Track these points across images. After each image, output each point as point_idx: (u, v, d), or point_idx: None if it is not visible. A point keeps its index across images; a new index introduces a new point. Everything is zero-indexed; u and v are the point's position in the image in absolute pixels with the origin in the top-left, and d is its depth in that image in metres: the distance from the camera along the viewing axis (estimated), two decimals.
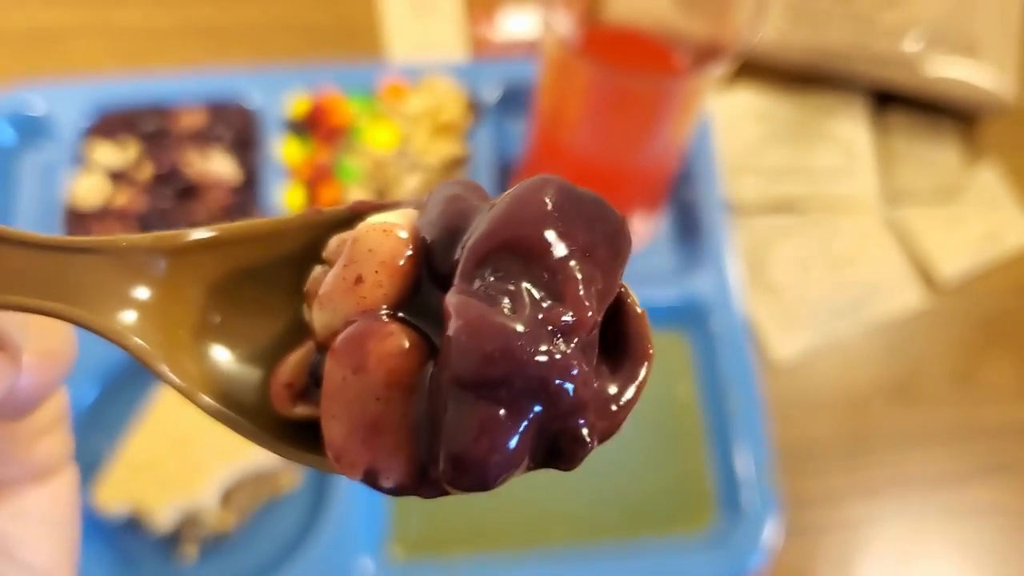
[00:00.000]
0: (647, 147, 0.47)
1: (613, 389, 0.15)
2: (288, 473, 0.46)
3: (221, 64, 0.58)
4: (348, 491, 0.45)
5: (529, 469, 0.15)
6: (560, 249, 0.15)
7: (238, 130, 0.53)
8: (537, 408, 0.14)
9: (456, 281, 0.15)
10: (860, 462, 0.51)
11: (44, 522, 0.20)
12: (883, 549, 0.49)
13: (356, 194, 0.52)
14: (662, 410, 0.49)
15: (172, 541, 0.44)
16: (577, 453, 0.14)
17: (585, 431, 0.14)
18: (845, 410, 0.52)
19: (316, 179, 0.52)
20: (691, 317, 0.50)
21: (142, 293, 0.17)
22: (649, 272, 0.53)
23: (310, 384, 0.17)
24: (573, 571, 0.45)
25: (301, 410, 0.17)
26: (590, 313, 0.14)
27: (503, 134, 0.56)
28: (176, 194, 0.50)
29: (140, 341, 0.16)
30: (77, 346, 0.18)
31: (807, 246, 0.56)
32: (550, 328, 0.14)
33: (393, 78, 0.55)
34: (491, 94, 0.55)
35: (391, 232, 0.16)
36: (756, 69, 0.60)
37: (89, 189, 0.50)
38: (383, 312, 0.15)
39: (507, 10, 0.62)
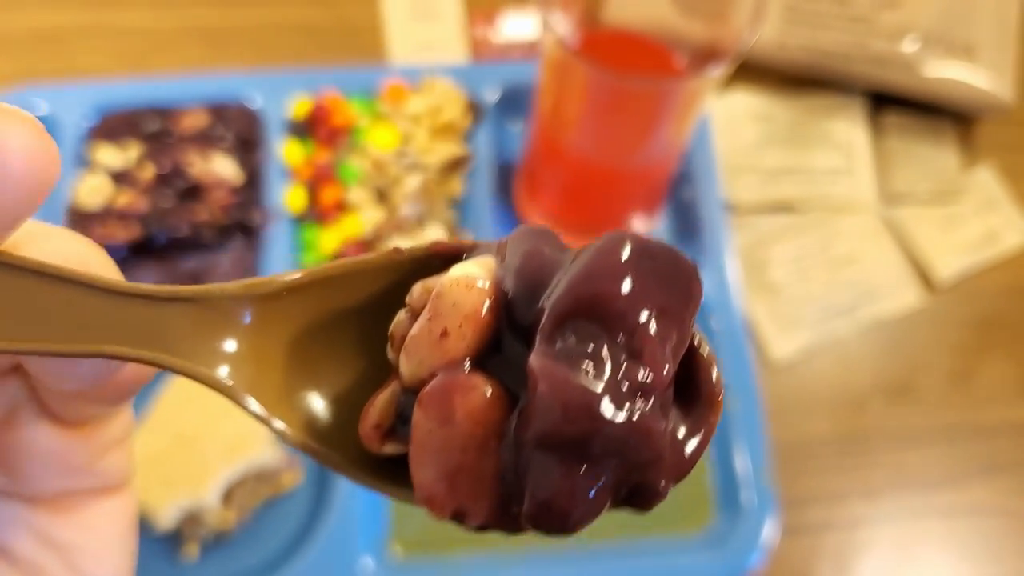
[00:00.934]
0: (646, 148, 0.47)
1: (683, 433, 0.16)
2: (289, 471, 0.46)
3: (223, 66, 0.58)
4: (349, 490, 0.45)
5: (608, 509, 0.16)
6: (637, 310, 0.15)
7: (240, 131, 0.53)
8: (616, 464, 0.15)
9: (538, 343, 0.15)
10: (858, 461, 0.51)
11: (108, 536, 0.20)
12: (881, 548, 0.49)
13: (356, 194, 0.52)
14: None
15: (173, 540, 0.45)
16: (652, 502, 0.16)
17: (661, 484, 0.16)
18: (843, 409, 0.52)
19: (317, 180, 0.52)
20: None
21: (234, 338, 0.18)
22: None
23: (397, 422, 0.18)
24: (572, 570, 0.45)
25: (390, 448, 0.18)
26: (666, 369, 0.15)
27: (503, 135, 0.56)
28: (178, 195, 0.51)
29: (243, 390, 0.17)
30: None
31: (806, 246, 0.56)
32: (629, 388, 0.15)
33: (394, 79, 0.55)
34: (491, 95, 0.55)
35: (473, 286, 0.16)
36: (754, 70, 0.60)
37: (91, 190, 0.50)
38: (466, 364, 0.16)
39: (507, 12, 0.62)
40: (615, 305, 0.15)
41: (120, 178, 0.51)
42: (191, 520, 0.44)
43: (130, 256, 0.49)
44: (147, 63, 0.59)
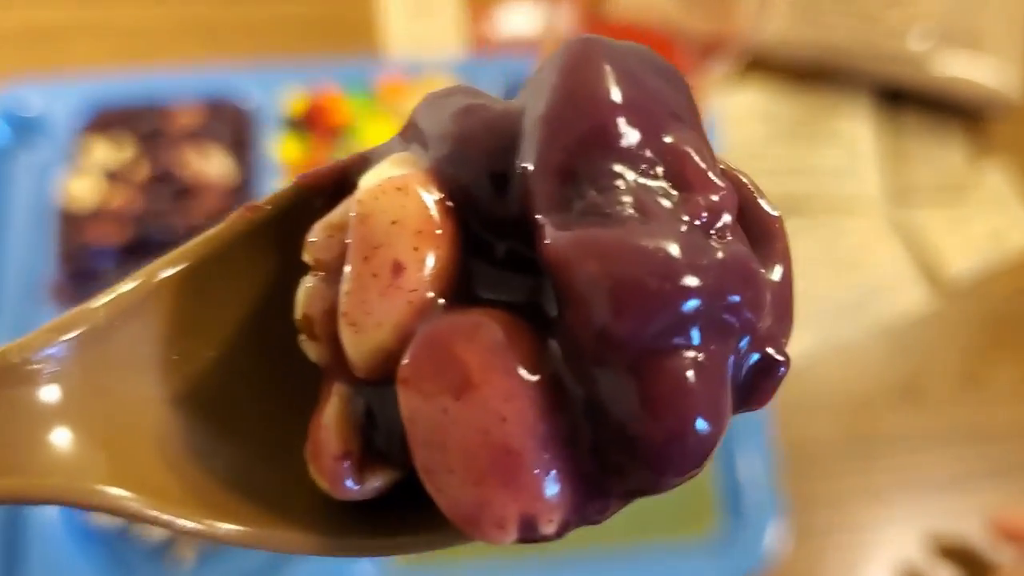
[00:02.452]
0: None
1: (768, 274, 0.12)
2: None
3: (218, 61, 0.57)
4: None
5: None
6: (652, 119, 0.11)
7: (235, 128, 0.52)
8: (722, 335, 0.10)
9: (542, 216, 0.10)
10: (866, 464, 0.50)
11: None
12: (889, 552, 0.48)
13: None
14: None
15: (168, 545, 0.44)
16: (774, 380, 0.11)
17: (771, 343, 0.11)
18: (850, 412, 0.52)
19: None
20: None
21: (64, 416, 0.11)
22: None
23: (368, 441, 0.12)
24: (574, 575, 0.45)
25: (374, 481, 0.12)
26: (724, 185, 0.11)
27: None
28: (173, 195, 0.50)
29: (119, 491, 0.11)
30: None
31: (812, 247, 0.55)
32: (697, 225, 0.10)
33: (392, 76, 0.54)
34: (491, 91, 0.54)
35: (407, 188, 0.11)
36: (761, 67, 0.59)
37: (84, 190, 0.49)
38: (448, 301, 0.11)
39: (507, 6, 0.61)
40: (627, 119, 0.10)
41: (114, 177, 0.50)
42: None
43: (123, 258, 0.48)
44: (142, 59, 0.58)
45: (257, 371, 0.13)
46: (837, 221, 0.56)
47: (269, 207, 0.13)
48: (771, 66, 0.60)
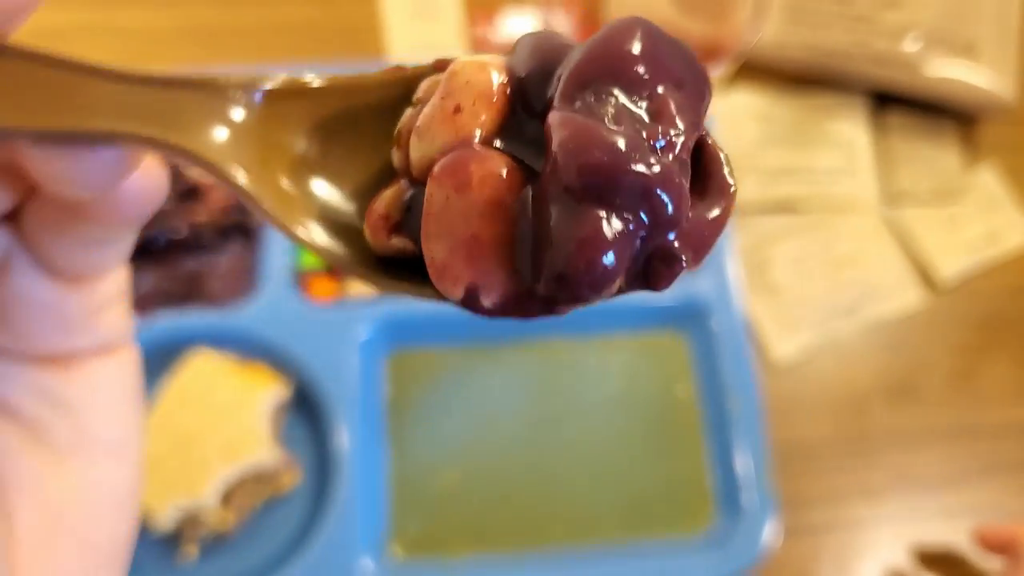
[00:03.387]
0: None
1: (700, 211, 0.16)
2: (288, 472, 0.46)
3: (222, 65, 0.58)
4: (349, 491, 0.45)
5: (619, 292, 0.15)
6: (656, 75, 0.15)
7: None
8: (638, 215, 0.14)
9: (557, 103, 0.15)
10: (859, 462, 0.51)
11: (114, 395, 0.20)
12: (882, 549, 0.49)
13: None
14: (661, 410, 0.49)
15: (172, 541, 0.44)
16: (672, 271, 0.15)
17: (678, 246, 0.15)
18: (844, 410, 0.52)
19: None
20: (691, 317, 0.50)
21: (241, 133, 0.17)
22: None
23: (405, 218, 0.17)
24: (572, 572, 0.45)
25: (396, 242, 0.17)
26: (684, 130, 0.15)
27: None
28: (177, 196, 0.50)
29: (242, 175, 0.17)
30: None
31: (807, 246, 0.56)
32: (650, 141, 0.15)
33: None
34: None
35: (486, 67, 0.16)
36: (756, 69, 0.60)
37: None
38: (480, 141, 0.16)
39: (507, 12, 0.62)
40: (635, 67, 0.15)
41: None
42: (190, 521, 0.43)
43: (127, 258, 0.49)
44: (146, 63, 0.58)
45: (361, 166, 0.19)
46: (832, 222, 0.57)
47: (409, 71, 0.19)
48: (767, 69, 0.60)
